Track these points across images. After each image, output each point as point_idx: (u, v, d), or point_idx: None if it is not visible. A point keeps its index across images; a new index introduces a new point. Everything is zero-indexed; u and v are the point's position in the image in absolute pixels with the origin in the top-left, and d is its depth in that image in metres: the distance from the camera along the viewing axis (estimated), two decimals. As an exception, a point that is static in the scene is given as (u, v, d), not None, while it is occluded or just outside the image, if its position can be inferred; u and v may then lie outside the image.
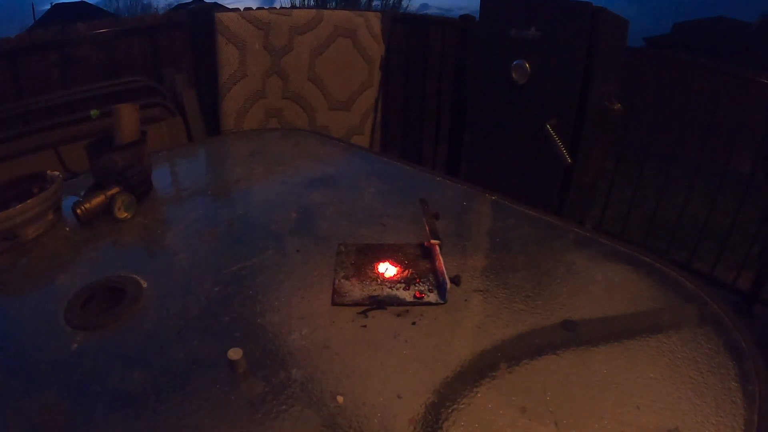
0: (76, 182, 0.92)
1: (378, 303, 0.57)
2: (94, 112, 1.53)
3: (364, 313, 0.56)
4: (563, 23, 1.50)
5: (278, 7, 2.15)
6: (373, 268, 0.62)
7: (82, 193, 0.80)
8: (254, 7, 2.08)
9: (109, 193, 0.77)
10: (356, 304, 0.57)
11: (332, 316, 0.55)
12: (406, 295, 0.58)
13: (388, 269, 0.62)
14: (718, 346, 0.51)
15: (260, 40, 1.84)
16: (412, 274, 0.61)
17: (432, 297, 0.58)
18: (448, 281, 0.57)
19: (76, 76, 1.75)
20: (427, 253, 0.65)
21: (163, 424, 0.42)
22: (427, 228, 0.68)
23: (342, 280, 0.60)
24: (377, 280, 0.60)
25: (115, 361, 0.49)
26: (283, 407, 0.44)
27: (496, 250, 0.69)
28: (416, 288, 0.59)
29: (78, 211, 0.74)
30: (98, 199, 0.76)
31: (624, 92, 1.74)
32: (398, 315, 0.55)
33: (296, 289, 0.60)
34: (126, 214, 0.77)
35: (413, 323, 0.54)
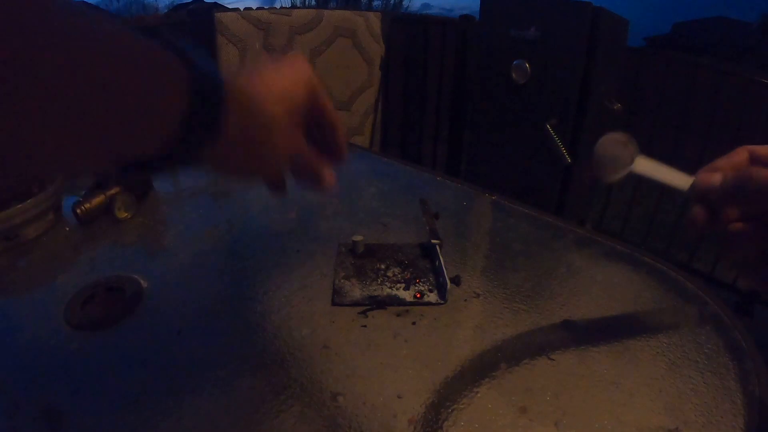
0: (76, 182, 0.92)
1: (378, 303, 0.57)
2: (94, 112, 1.52)
3: (364, 313, 0.56)
4: (563, 23, 1.50)
5: (278, 7, 2.15)
6: (373, 268, 0.62)
7: (83, 193, 0.80)
8: (254, 7, 2.08)
9: (109, 193, 0.77)
10: (356, 304, 0.57)
11: (332, 316, 0.55)
12: (406, 295, 0.58)
13: (388, 269, 0.62)
14: (718, 346, 0.51)
15: (260, 40, 1.84)
16: (412, 274, 0.61)
17: (432, 297, 0.58)
18: (448, 281, 0.57)
19: (76, 76, 1.75)
20: (427, 253, 0.65)
21: (163, 424, 0.42)
22: (427, 228, 0.68)
23: (342, 280, 0.60)
24: (377, 280, 0.60)
25: (115, 361, 0.49)
26: (283, 407, 0.44)
27: (496, 250, 0.69)
28: (416, 288, 0.59)
29: (78, 211, 0.74)
30: (98, 199, 0.76)
31: (624, 92, 1.74)
32: (398, 315, 0.55)
33: (296, 289, 0.60)
34: (126, 214, 0.77)
35: (413, 323, 0.54)
